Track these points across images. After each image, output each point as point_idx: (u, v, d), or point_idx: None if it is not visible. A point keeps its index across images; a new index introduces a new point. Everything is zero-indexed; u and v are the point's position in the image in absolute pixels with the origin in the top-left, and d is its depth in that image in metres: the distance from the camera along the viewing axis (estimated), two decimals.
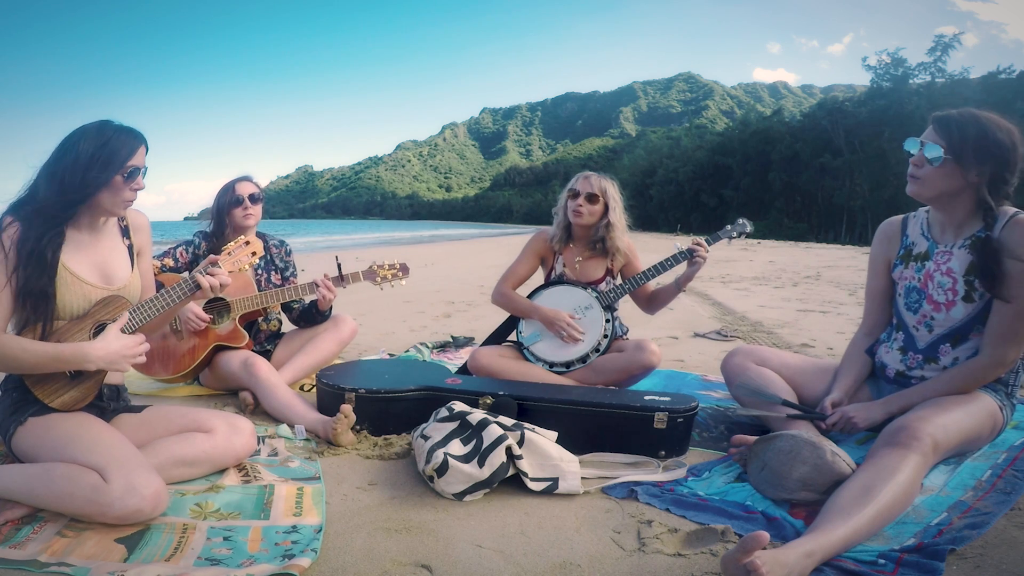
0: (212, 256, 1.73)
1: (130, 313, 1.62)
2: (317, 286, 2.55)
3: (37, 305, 1.54)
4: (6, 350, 1.48)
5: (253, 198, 2.67)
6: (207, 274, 1.68)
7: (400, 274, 2.65)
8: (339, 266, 2.63)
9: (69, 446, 1.51)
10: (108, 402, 1.77)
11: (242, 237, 1.83)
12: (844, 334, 4.37)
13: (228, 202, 2.64)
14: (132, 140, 1.59)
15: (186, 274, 1.71)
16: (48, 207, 1.54)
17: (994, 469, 1.76)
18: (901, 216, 2.02)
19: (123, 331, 1.60)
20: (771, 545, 1.22)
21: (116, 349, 1.53)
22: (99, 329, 1.62)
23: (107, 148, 1.54)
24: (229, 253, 1.79)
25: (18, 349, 1.49)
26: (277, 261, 2.84)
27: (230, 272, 1.74)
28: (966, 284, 1.76)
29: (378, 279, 2.63)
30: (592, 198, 2.58)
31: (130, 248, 1.77)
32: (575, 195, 2.60)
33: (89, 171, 1.53)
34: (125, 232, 1.77)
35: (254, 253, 1.83)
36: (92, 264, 1.65)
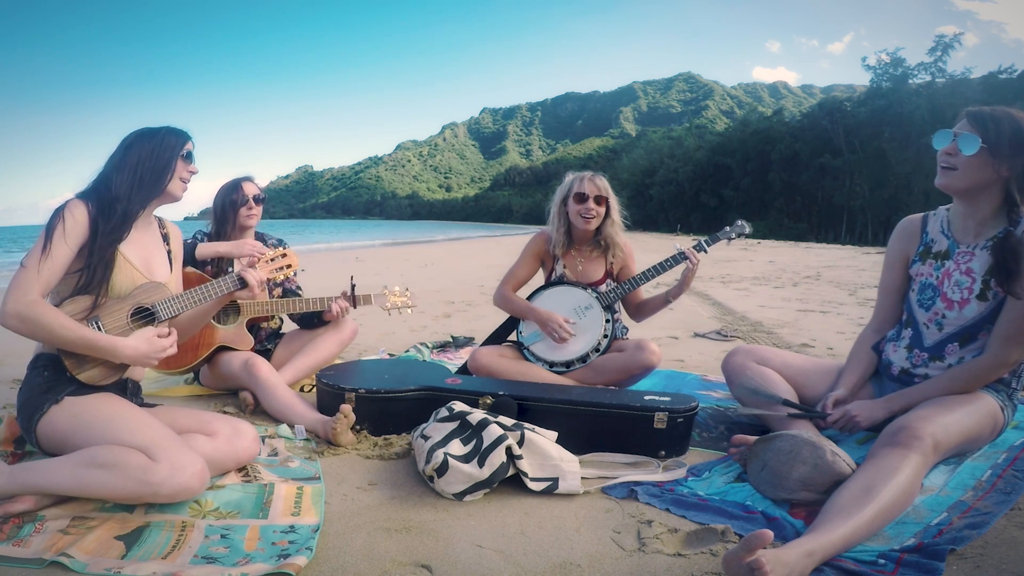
0: (252, 259, 1.82)
1: (170, 300, 1.75)
2: (331, 304, 2.63)
3: (96, 276, 1.63)
4: (44, 320, 1.52)
5: (257, 199, 2.74)
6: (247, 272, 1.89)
7: (410, 303, 2.80)
8: (353, 287, 2.70)
9: (111, 426, 1.53)
10: (131, 396, 1.81)
11: (281, 248, 1.96)
12: (844, 334, 4.37)
13: (234, 201, 2.68)
14: (181, 132, 1.83)
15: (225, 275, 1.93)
16: (123, 197, 1.70)
17: (994, 469, 1.76)
18: (920, 214, 2.04)
19: (162, 317, 1.72)
20: (771, 545, 1.22)
21: (145, 351, 1.63)
22: (137, 311, 1.72)
23: (166, 141, 1.77)
24: (269, 260, 1.98)
25: (57, 324, 1.53)
26: None
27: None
28: (983, 283, 1.77)
29: (388, 304, 2.76)
30: (600, 200, 2.56)
31: (169, 253, 1.90)
32: (582, 199, 2.55)
33: (158, 159, 1.74)
34: (165, 239, 1.91)
35: (289, 266, 2.06)
36: (140, 257, 1.77)
